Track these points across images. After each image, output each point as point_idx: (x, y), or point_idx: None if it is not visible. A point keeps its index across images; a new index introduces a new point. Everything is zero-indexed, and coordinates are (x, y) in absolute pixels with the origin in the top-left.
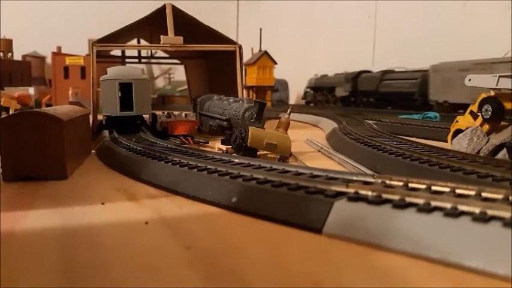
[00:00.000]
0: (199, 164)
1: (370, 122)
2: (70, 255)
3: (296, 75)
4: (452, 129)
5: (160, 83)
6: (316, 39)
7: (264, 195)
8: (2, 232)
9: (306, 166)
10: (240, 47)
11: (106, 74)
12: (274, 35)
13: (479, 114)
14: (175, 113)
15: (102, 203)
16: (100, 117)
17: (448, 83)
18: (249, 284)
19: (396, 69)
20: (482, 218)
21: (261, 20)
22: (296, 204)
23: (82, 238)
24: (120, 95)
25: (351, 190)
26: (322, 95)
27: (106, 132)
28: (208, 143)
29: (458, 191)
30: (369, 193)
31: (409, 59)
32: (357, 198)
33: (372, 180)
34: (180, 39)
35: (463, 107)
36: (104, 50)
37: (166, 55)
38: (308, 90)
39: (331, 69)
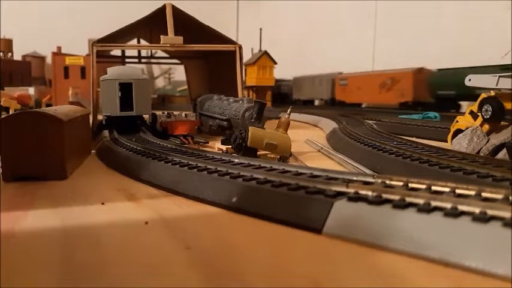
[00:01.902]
0: (199, 164)
1: (370, 122)
2: (70, 255)
3: (296, 75)
4: (452, 129)
5: (160, 83)
6: (316, 39)
7: (264, 195)
8: (2, 232)
9: (306, 166)
10: (240, 47)
11: (106, 74)
12: (274, 35)
13: (479, 114)
14: (175, 113)
15: (102, 203)
16: (100, 117)
17: (299, 87)
18: (249, 284)
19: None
20: (482, 218)
21: (261, 20)
22: (296, 204)
23: (82, 238)
24: (120, 95)
25: (351, 190)
26: None
27: (106, 132)
28: (208, 143)
29: (458, 191)
30: (369, 193)
31: (409, 58)
32: (357, 198)
33: (372, 180)
34: (180, 39)
35: (311, 101)
36: (104, 50)
37: (166, 55)
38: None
39: (331, 69)
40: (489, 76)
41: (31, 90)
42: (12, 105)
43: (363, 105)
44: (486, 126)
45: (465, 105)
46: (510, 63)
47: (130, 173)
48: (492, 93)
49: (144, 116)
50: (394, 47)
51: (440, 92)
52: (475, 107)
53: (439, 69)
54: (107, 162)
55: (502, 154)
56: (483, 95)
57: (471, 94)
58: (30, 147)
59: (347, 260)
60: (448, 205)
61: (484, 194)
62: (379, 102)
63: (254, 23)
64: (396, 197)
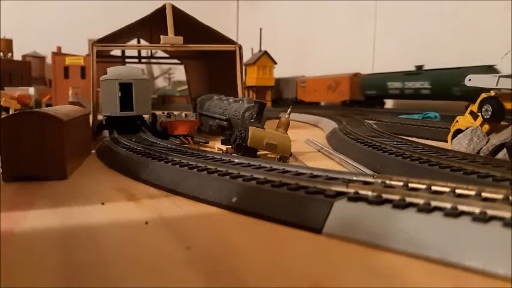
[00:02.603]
0: (199, 164)
1: (370, 122)
2: (70, 256)
3: (296, 75)
4: (452, 129)
5: (160, 82)
6: (316, 39)
7: (264, 195)
8: (2, 232)
9: (306, 166)
10: (240, 47)
11: (106, 74)
12: (274, 35)
13: (479, 114)
14: (175, 113)
15: (102, 203)
16: (100, 117)
17: (277, 88)
18: (248, 284)
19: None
20: (482, 218)
21: (261, 20)
22: (296, 204)
23: (82, 238)
24: (120, 95)
25: (351, 190)
26: None
27: (106, 132)
28: (208, 143)
29: (458, 191)
30: (369, 193)
31: (409, 58)
32: (357, 198)
33: (372, 180)
34: (180, 39)
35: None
36: (104, 50)
37: (166, 55)
38: None
39: (331, 68)
40: (489, 76)
41: (31, 90)
42: (12, 105)
43: (321, 103)
44: (486, 126)
45: (389, 102)
46: (428, 68)
47: (130, 173)
48: (492, 93)
49: (144, 116)
50: (394, 47)
51: (368, 92)
52: (475, 107)
53: (367, 74)
54: (107, 162)
55: (502, 154)
56: (483, 95)
57: (388, 94)
58: (30, 147)
59: (347, 260)
60: (448, 205)
61: (484, 194)
62: (329, 101)
63: (254, 23)
64: (396, 197)
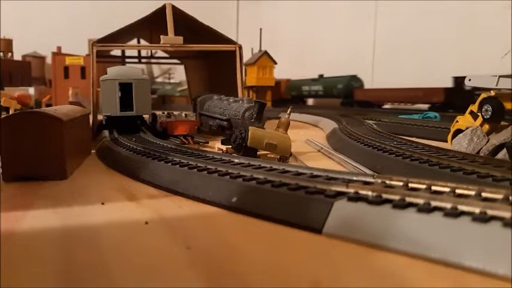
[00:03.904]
0: (199, 164)
1: (370, 122)
2: (70, 256)
3: (296, 75)
4: (452, 129)
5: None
6: (316, 39)
7: (264, 195)
8: (2, 232)
9: (306, 166)
10: (240, 47)
11: (106, 74)
12: (274, 35)
13: (479, 114)
14: (175, 113)
15: (102, 203)
16: (100, 117)
17: None
18: (249, 284)
19: None
20: (482, 218)
21: (261, 20)
22: (296, 204)
23: (82, 238)
24: (120, 95)
25: (351, 190)
26: None
27: (106, 132)
28: (208, 143)
29: (458, 191)
30: (369, 193)
31: (409, 58)
32: (357, 198)
33: (372, 180)
34: (180, 39)
35: None
36: (104, 50)
37: (166, 55)
38: None
39: (331, 69)
40: (489, 76)
41: (31, 90)
42: (12, 105)
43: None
44: (486, 126)
45: (310, 100)
46: (324, 77)
47: (130, 173)
48: (492, 93)
49: (144, 116)
50: (394, 46)
51: (292, 93)
52: (475, 107)
53: (293, 80)
54: (107, 162)
55: (502, 154)
56: (483, 95)
57: (303, 94)
58: (30, 147)
59: (347, 260)
60: (448, 205)
61: (484, 194)
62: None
63: (254, 23)
64: (396, 197)
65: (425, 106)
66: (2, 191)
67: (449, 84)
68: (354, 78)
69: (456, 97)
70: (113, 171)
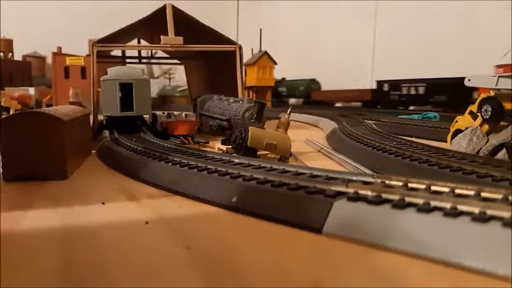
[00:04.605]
0: (199, 164)
1: (369, 122)
2: (70, 255)
3: (296, 75)
4: (452, 130)
5: (160, 82)
6: (316, 39)
7: (264, 195)
8: (2, 232)
9: (306, 166)
10: (240, 47)
11: (106, 74)
12: (274, 35)
13: (479, 114)
14: (176, 113)
15: (103, 203)
16: (100, 117)
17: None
18: (249, 284)
19: None
20: (482, 218)
21: (261, 20)
22: (296, 204)
23: (82, 238)
24: (120, 95)
25: (351, 190)
26: None
27: (106, 132)
28: (208, 143)
29: (457, 191)
30: (369, 193)
31: (409, 58)
32: (356, 198)
33: (371, 180)
34: (180, 40)
35: None
36: (104, 50)
37: (167, 55)
38: None
39: (331, 68)
40: (489, 76)
41: (31, 91)
42: (13, 105)
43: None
44: (486, 126)
45: (292, 100)
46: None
47: (130, 173)
48: (492, 93)
49: (144, 116)
50: (394, 47)
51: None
52: (474, 107)
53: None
54: (107, 162)
55: (502, 154)
56: (482, 95)
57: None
58: (30, 147)
59: (347, 260)
60: (448, 205)
61: (483, 194)
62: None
63: (254, 23)
64: (396, 197)
65: (359, 104)
66: (2, 191)
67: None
68: (313, 81)
69: (379, 96)
70: (113, 171)
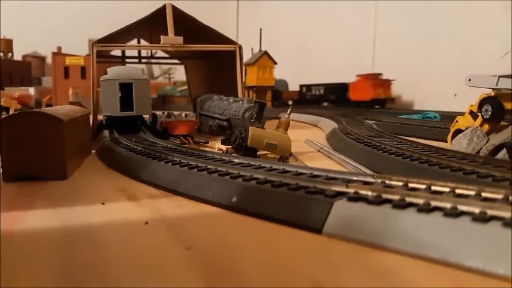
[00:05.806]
0: (199, 164)
1: (370, 122)
2: (70, 256)
3: (296, 75)
4: (452, 129)
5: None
6: (316, 39)
7: (264, 195)
8: (2, 232)
9: (306, 166)
10: (240, 47)
11: (106, 74)
12: (274, 35)
13: (479, 114)
14: (175, 113)
15: (102, 203)
16: (100, 117)
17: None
18: (249, 284)
19: None
20: (482, 218)
21: (261, 20)
22: (296, 204)
23: (82, 238)
24: (120, 95)
25: (351, 190)
26: None
27: (106, 132)
28: (208, 143)
29: (458, 191)
30: (369, 193)
31: (409, 58)
32: (356, 198)
33: (371, 180)
34: (180, 39)
35: None
36: (104, 50)
37: (167, 55)
38: None
39: (331, 68)
40: (489, 76)
41: (31, 91)
42: (13, 105)
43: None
44: (486, 126)
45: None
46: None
47: (130, 173)
48: (492, 93)
49: (144, 116)
50: (394, 47)
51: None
52: (474, 107)
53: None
54: (107, 162)
55: (502, 154)
56: (483, 95)
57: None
58: (30, 147)
59: (347, 260)
60: (448, 205)
61: (483, 194)
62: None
63: (254, 23)
64: (396, 197)
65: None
66: (2, 191)
67: (448, 83)
68: (283, 82)
69: (300, 96)
70: (113, 171)
